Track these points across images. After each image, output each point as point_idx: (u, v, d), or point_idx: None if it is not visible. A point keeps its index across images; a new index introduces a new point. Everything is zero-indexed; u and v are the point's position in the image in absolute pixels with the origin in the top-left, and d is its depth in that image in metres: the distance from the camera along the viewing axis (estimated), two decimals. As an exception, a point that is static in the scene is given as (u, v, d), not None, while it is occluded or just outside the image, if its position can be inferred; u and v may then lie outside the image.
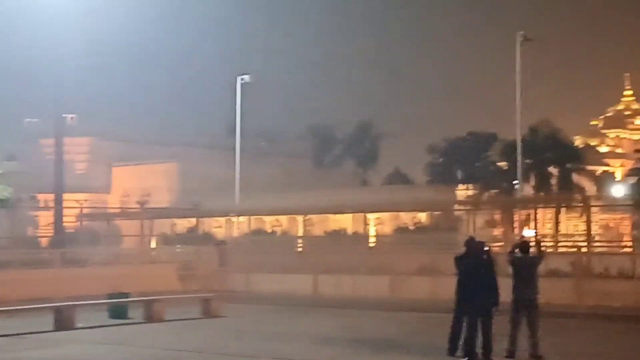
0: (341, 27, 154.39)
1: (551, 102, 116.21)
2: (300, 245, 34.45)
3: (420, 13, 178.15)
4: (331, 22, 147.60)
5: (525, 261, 14.82)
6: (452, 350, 14.55)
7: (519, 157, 39.86)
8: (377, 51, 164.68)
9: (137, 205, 44.40)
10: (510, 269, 14.92)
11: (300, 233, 38.43)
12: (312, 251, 31.20)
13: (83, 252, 31.92)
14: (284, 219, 42.42)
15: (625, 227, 34.05)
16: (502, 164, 59.22)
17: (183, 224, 44.61)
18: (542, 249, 15.87)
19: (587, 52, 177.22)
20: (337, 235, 33.80)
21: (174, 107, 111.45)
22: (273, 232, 41.81)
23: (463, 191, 66.02)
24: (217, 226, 41.30)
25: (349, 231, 35.51)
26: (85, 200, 47.50)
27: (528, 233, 15.95)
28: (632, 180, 54.80)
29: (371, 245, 32.93)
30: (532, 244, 15.38)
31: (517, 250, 15.02)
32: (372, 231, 34.40)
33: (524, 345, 14.36)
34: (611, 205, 33.85)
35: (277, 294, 27.06)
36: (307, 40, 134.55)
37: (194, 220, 42.02)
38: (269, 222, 43.94)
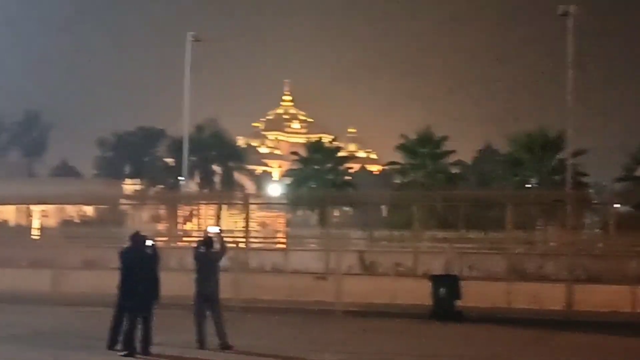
0: (17, 15, 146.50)
1: (218, 102, 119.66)
2: (-43, 237, 32.71)
3: (95, 6, 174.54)
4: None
5: (209, 256, 15.58)
6: (111, 344, 14.81)
7: (185, 154, 41.13)
8: (50, 40, 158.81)
9: None
10: (194, 264, 15.67)
11: (-43, 225, 36.39)
12: (-31, 244, 29.83)
13: None
14: (-62, 209, 39.84)
15: (280, 224, 36.51)
16: (169, 160, 60.31)
17: None
18: (225, 244, 16.53)
19: (252, 57, 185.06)
20: (-1, 227, 32.69)
21: None
22: None
23: (130, 185, 66.28)
24: None
25: (12, 223, 34.39)
26: None
27: (212, 229, 16.74)
28: (288, 180, 58.57)
29: (34, 238, 32.22)
30: (215, 239, 15.99)
31: (201, 245, 15.73)
32: (36, 224, 33.59)
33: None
34: (268, 204, 36.05)
35: None
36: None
37: None
38: None
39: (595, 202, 30.54)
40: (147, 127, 73.24)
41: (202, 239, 16.16)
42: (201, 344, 15.23)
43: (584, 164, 43.33)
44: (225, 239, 16.68)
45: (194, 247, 16.05)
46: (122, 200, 38.43)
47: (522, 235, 28.21)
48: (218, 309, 15.47)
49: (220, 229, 16.75)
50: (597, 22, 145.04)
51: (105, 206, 33.69)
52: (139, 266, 14.53)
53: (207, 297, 15.38)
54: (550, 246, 28.65)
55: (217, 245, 15.85)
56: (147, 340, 14.55)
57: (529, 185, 42.89)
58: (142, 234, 15.30)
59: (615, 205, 27.36)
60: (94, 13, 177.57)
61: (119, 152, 70.81)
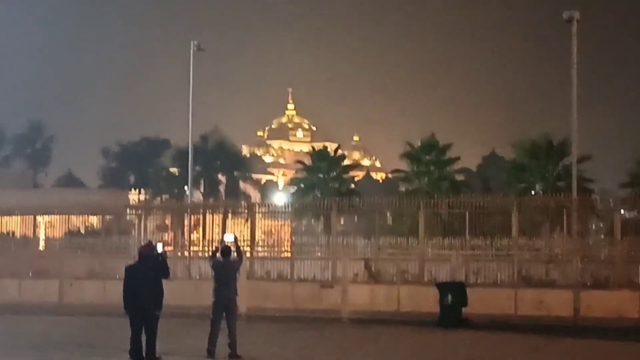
0: (21, 26, 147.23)
1: (222, 111, 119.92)
2: (-37, 248, 32.74)
3: (101, 16, 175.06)
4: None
5: (226, 265, 15.59)
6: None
7: (190, 164, 41.12)
8: (52, 51, 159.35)
9: None
10: (211, 272, 15.74)
11: (-37, 236, 36.41)
12: (-24, 255, 29.93)
13: None
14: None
15: (286, 233, 36.42)
16: (174, 170, 60.38)
17: None
18: (242, 252, 16.69)
19: (255, 66, 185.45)
20: (4, 238, 32.71)
21: None
22: None
23: (135, 195, 66.32)
24: None
25: (18, 234, 34.54)
26: None
27: (228, 237, 16.78)
28: (292, 189, 58.55)
29: (40, 249, 32.29)
30: (232, 247, 16.01)
31: (218, 254, 15.75)
32: (41, 235, 33.66)
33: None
34: (273, 212, 35.96)
35: None
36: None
37: None
38: None
39: (601, 208, 30.43)
40: (152, 136, 73.42)
41: (219, 247, 16.16)
42: (211, 353, 15.22)
43: (589, 169, 43.21)
44: (241, 246, 16.70)
45: (211, 256, 16.09)
46: (127, 210, 38.40)
47: (527, 241, 28.15)
48: (234, 317, 15.51)
49: (235, 237, 16.73)
50: (603, 27, 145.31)
51: (111, 216, 33.70)
52: (144, 275, 14.31)
53: (225, 306, 15.40)
54: (556, 252, 28.58)
55: (233, 254, 15.89)
56: (151, 349, 14.40)
57: (534, 192, 42.82)
58: (151, 243, 15.24)
59: (620, 211, 27.29)
60: (97, 23, 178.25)
61: (123, 162, 70.91)
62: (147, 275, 14.33)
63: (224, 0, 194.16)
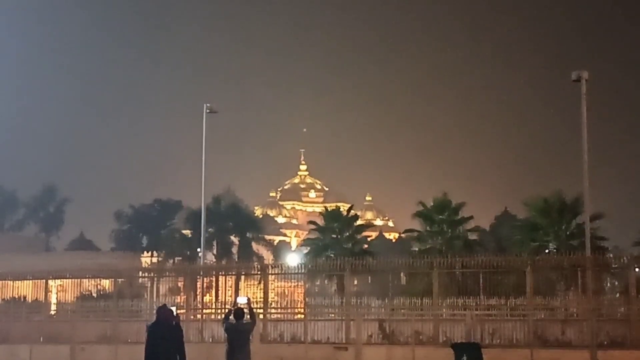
0: (24, 85, 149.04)
1: (234, 172, 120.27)
2: (-25, 314, 32.69)
3: (113, 78, 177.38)
4: (15, 78, 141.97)
5: (239, 327, 15.57)
6: None
7: (203, 226, 41.15)
8: (67, 115, 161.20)
9: None
10: (224, 335, 15.66)
11: (-25, 300, 36.42)
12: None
13: None
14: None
15: (299, 294, 36.27)
16: (187, 232, 60.39)
17: None
18: (255, 314, 16.57)
19: (268, 127, 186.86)
20: (16, 303, 32.70)
21: None
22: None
23: (148, 258, 66.31)
24: None
25: (29, 298, 34.56)
26: None
27: (241, 300, 16.83)
28: (305, 249, 58.35)
29: (52, 313, 32.21)
30: (245, 310, 16.00)
31: (231, 316, 15.73)
32: (53, 298, 33.62)
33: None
34: (286, 273, 35.87)
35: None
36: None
37: None
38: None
39: (615, 266, 30.20)
40: (164, 199, 73.67)
41: (232, 309, 16.09)
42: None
43: (602, 227, 43.00)
44: (254, 309, 16.64)
45: (224, 319, 16.01)
46: (140, 273, 38.35)
47: (542, 301, 27.89)
48: None
49: (248, 299, 16.67)
50: (613, 85, 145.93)
51: (123, 279, 33.64)
52: (165, 339, 14.38)
53: None
54: (572, 312, 28.27)
55: (247, 316, 15.79)
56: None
57: (548, 251, 42.54)
58: (168, 307, 15.24)
59: (635, 269, 27.07)
60: (110, 88, 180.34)
61: (136, 224, 71.06)
62: (169, 340, 14.33)
63: (236, 63, 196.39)
